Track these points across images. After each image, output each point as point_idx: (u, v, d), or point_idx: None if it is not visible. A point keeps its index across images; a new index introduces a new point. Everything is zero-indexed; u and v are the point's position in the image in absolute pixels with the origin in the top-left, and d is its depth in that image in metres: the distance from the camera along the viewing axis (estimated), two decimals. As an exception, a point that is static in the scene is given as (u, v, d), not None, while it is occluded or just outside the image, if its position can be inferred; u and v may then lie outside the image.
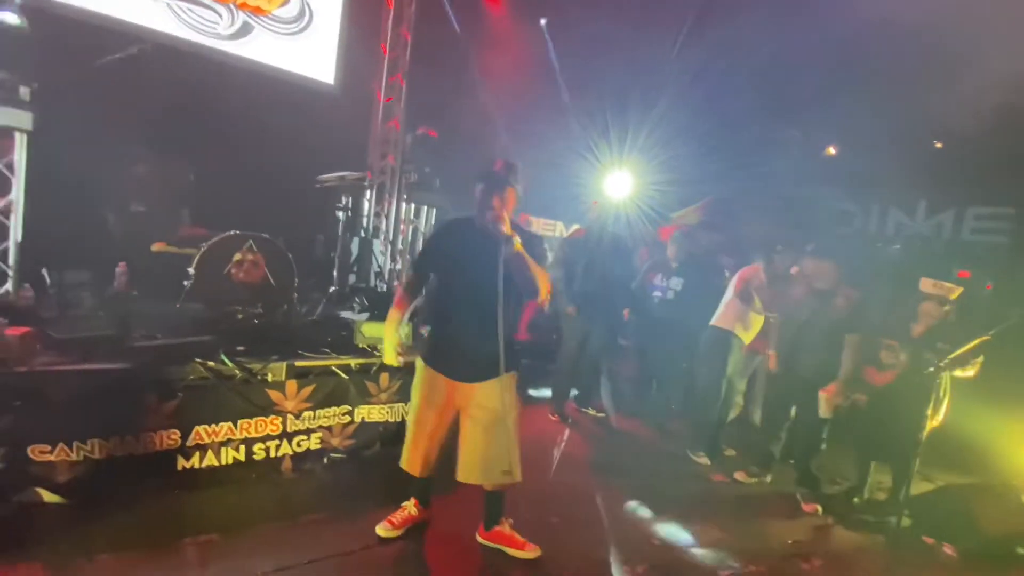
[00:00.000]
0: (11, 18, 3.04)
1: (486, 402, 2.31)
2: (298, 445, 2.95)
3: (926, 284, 3.64)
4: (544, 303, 2.41)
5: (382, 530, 2.49)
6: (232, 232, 3.36)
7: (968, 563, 3.06)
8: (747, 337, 4.04)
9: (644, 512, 3.15)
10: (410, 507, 2.59)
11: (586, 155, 5.85)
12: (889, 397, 3.52)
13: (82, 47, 3.78)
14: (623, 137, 5.95)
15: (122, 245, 3.91)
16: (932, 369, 3.07)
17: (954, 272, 5.46)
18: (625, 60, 6.22)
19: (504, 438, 2.32)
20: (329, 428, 3.06)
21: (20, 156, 3.37)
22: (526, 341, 5.96)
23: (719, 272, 4.55)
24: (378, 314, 3.60)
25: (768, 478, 3.78)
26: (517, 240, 2.11)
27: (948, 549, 3.14)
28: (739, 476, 3.80)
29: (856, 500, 3.61)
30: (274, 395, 2.83)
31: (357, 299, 4.23)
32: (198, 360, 2.63)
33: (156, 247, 3.60)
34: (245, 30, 4.57)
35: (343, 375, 3.08)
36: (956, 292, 3.56)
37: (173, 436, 2.56)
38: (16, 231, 3.39)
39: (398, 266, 5.73)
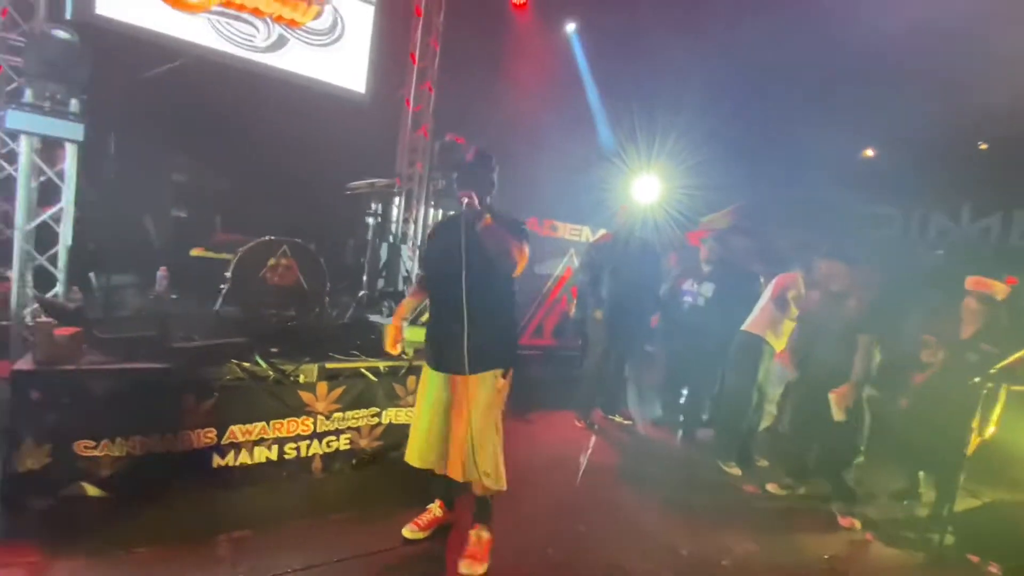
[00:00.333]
0: (63, 34, 3.21)
1: (463, 396, 2.33)
2: (328, 445, 3.01)
3: (970, 282, 3.49)
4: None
5: (408, 532, 2.51)
6: (267, 237, 3.46)
7: (1016, 584, 2.91)
8: (778, 344, 3.94)
9: (673, 523, 3.09)
10: (435, 509, 2.61)
11: (613, 159, 5.81)
12: (931, 402, 3.37)
13: (129, 61, 3.97)
14: (651, 141, 5.90)
15: (163, 250, 4.07)
16: (979, 379, 2.94)
17: (1002, 279, 5.21)
18: (653, 63, 6.17)
19: (478, 437, 2.30)
20: (358, 429, 3.11)
21: (70, 165, 3.56)
22: (550, 346, 5.95)
23: (752, 278, 4.45)
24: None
25: (802, 490, 3.66)
26: (487, 216, 2.18)
27: (994, 568, 2.98)
28: (771, 488, 3.69)
29: (906, 502, 3.46)
30: (305, 396, 2.89)
31: (386, 303, 4.30)
32: (234, 361, 2.71)
33: (195, 252, 3.73)
34: (280, 42, 4.72)
35: (372, 377, 3.12)
36: (1000, 291, 3.40)
37: (209, 434, 2.64)
38: (66, 237, 3.58)
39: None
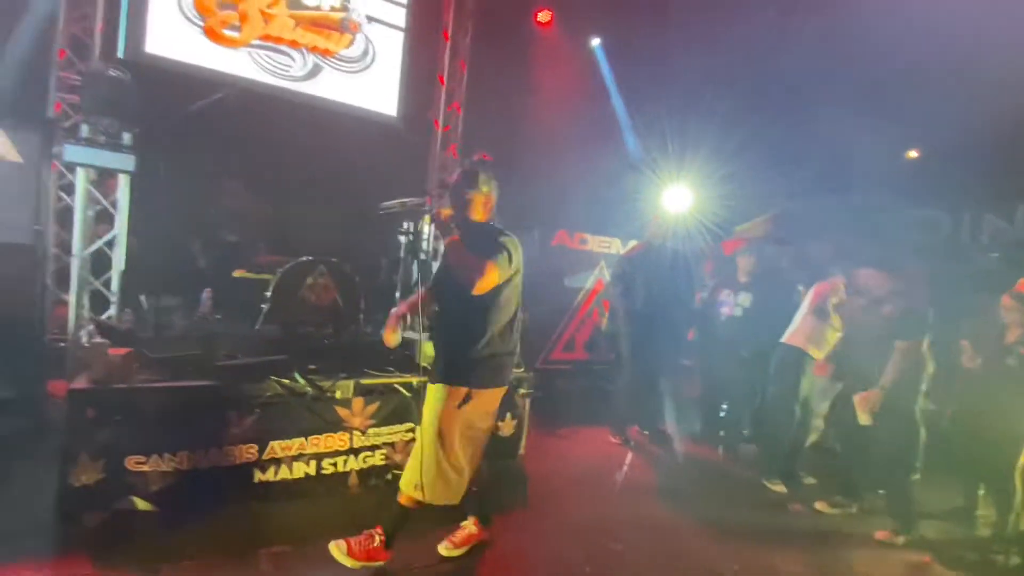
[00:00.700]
0: (115, 72, 3.43)
1: None
2: (364, 461, 3.04)
3: (1021, 284, 3.30)
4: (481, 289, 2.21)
5: (444, 549, 2.50)
6: (305, 258, 3.56)
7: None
8: (822, 355, 3.79)
9: (714, 543, 2.97)
10: (468, 525, 2.58)
11: (643, 170, 5.78)
12: (978, 411, 3.18)
13: (176, 95, 4.20)
14: (682, 151, 5.85)
15: (208, 272, 4.25)
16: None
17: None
18: (682, 73, 6.14)
19: (417, 449, 2.33)
20: (392, 444, 3.13)
21: (123, 195, 3.78)
22: (583, 360, 5.89)
23: (791, 287, 4.32)
24: (438, 334, 3.68)
25: (854, 509, 3.48)
26: (454, 234, 2.22)
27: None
28: (820, 506, 3.52)
29: (980, 513, 3.25)
30: (342, 412, 2.94)
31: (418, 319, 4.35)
32: (274, 378, 2.78)
33: (237, 273, 3.87)
34: (315, 71, 4.92)
35: (406, 393, 3.15)
36: None
37: (251, 450, 2.71)
38: (119, 262, 3.78)
39: (457, 287, 5.85)
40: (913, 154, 7.15)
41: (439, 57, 5.80)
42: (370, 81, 5.20)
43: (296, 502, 2.79)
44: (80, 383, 2.46)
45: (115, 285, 3.76)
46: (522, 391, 3.59)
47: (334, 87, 5.00)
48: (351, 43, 5.04)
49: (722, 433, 4.48)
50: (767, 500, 3.64)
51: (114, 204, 3.76)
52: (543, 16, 6.17)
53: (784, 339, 3.87)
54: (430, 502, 2.30)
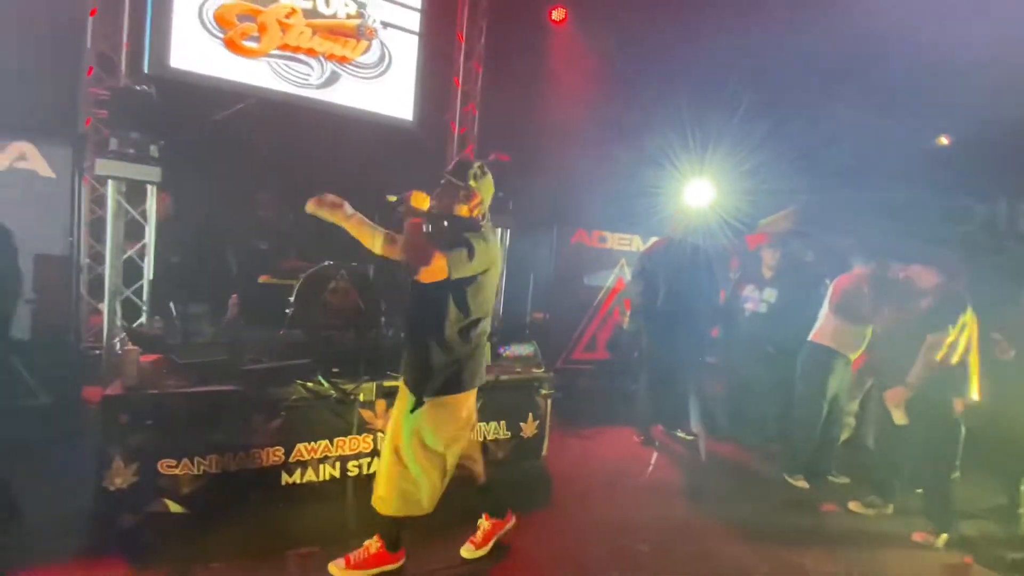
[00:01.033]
0: (141, 87, 3.53)
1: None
2: (388, 463, 3.06)
3: None
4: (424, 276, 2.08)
5: (466, 552, 2.50)
6: (327, 263, 3.61)
7: None
8: (849, 351, 3.68)
9: (743, 544, 2.92)
10: (483, 523, 2.58)
11: (663, 165, 5.70)
12: (1014, 403, 3.06)
13: (200, 106, 4.31)
14: (703, 145, 5.76)
15: (233, 279, 4.34)
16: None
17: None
18: (702, 65, 6.05)
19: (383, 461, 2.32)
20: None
21: (151, 205, 3.88)
22: (604, 360, 5.84)
23: (817, 281, 4.22)
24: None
25: (890, 509, 3.37)
26: (417, 217, 2.13)
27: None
28: (854, 506, 3.43)
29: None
30: (366, 414, 2.97)
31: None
32: (299, 381, 2.82)
33: (262, 279, 3.95)
34: (333, 78, 4.99)
35: (428, 395, 3.16)
36: None
37: (277, 453, 2.75)
38: (148, 271, 3.89)
39: (476, 288, 5.87)
40: (944, 141, 6.90)
41: (454, 59, 5.82)
42: (386, 86, 5.25)
43: (322, 504, 2.82)
44: (113, 389, 2.54)
45: (145, 294, 3.87)
46: (544, 391, 3.58)
47: (351, 93, 5.06)
48: (367, 49, 5.09)
49: (748, 432, 4.39)
50: (797, 499, 3.56)
51: (143, 214, 3.87)
52: (557, 14, 6.15)
53: (811, 336, 3.78)
54: (393, 515, 2.26)
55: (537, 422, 3.56)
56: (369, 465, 3.00)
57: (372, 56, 5.14)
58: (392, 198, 2.23)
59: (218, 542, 2.40)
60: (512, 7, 5.91)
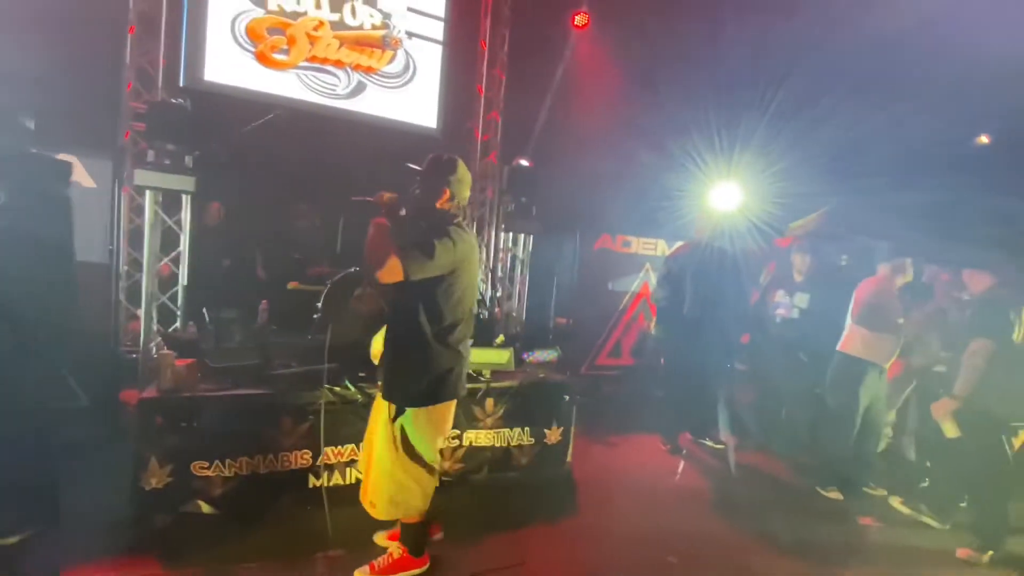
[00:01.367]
0: (177, 100, 3.65)
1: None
2: (413, 468, 3.07)
3: None
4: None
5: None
6: (353, 268, 3.66)
7: None
8: (880, 359, 3.54)
9: (777, 558, 2.83)
10: (393, 550, 2.38)
11: (690, 167, 5.63)
12: None
13: (232, 117, 4.44)
14: (731, 146, 5.67)
15: (264, 285, 4.45)
16: None
17: None
18: (729, 68, 5.96)
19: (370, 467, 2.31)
20: (440, 451, 3.15)
21: (185, 214, 4.01)
22: (629, 366, 5.77)
23: (851, 286, 4.09)
24: (481, 340, 3.70)
25: (948, 525, 3.22)
26: (381, 216, 2.12)
27: None
28: (895, 503, 3.30)
29: None
30: (390, 419, 2.99)
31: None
32: (326, 386, 2.86)
33: (291, 285, 4.03)
34: (359, 88, 5.08)
35: (452, 400, 3.17)
36: None
37: (305, 456, 2.79)
38: (183, 277, 4.01)
39: (498, 293, 5.88)
40: (984, 140, 6.64)
41: (477, 67, 5.87)
42: (411, 95, 5.32)
43: (349, 507, 2.84)
44: (150, 392, 2.62)
45: (180, 300, 3.99)
46: (568, 397, 3.55)
47: (377, 103, 5.14)
48: (392, 59, 5.17)
49: (779, 441, 4.27)
50: (832, 512, 3.44)
51: (179, 223, 3.99)
52: (580, 19, 6.14)
53: (839, 346, 3.66)
54: (386, 519, 2.28)
55: (561, 428, 3.53)
56: (394, 469, 3.02)
57: (397, 66, 5.22)
58: (361, 199, 2.23)
59: (247, 543, 2.45)
60: (534, 14, 5.93)
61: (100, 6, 4.13)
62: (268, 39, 4.57)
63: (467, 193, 2.31)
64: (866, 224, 5.36)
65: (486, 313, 5.35)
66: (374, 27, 5.04)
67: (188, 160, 3.72)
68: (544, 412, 3.48)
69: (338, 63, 4.90)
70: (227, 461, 2.65)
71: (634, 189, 5.89)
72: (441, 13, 5.37)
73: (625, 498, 3.38)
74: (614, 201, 5.74)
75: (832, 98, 6.10)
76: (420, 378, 2.18)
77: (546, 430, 3.49)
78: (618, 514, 3.14)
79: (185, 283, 4.01)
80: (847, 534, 3.17)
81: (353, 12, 4.92)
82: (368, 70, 5.06)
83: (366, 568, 2.33)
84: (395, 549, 2.35)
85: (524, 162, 5.59)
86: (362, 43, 4.99)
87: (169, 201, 3.91)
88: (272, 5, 4.57)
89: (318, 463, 2.82)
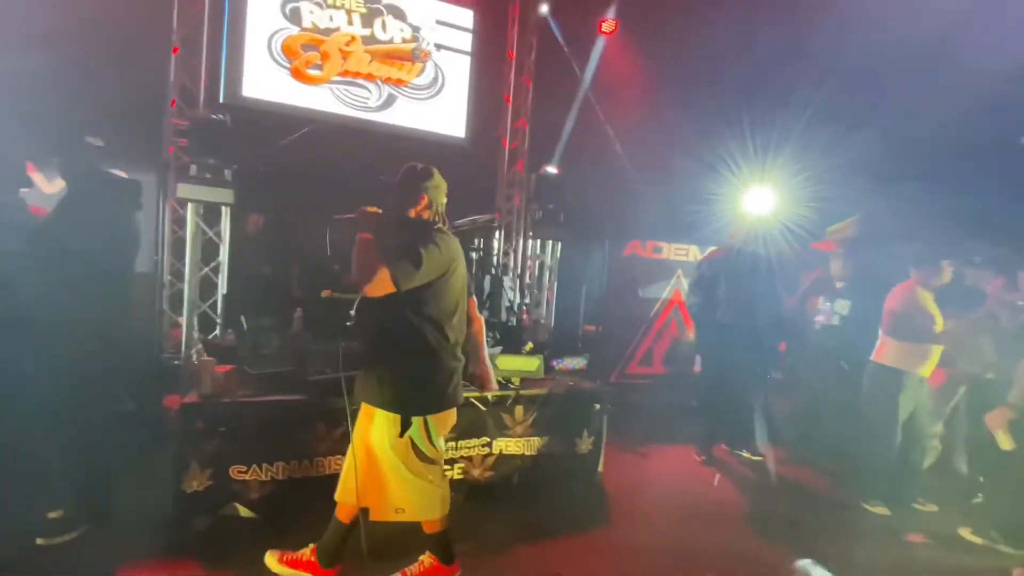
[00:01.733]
0: (218, 116, 3.79)
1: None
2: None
3: None
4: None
5: None
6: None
7: None
8: (920, 368, 3.38)
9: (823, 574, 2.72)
10: (426, 560, 2.35)
11: (722, 171, 5.53)
12: None
13: (269, 132, 4.59)
14: (765, 150, 5.54)
15: (298, 294, 4.56)
16: None
17: None
18: (763, 71, 5.85)
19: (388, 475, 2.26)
20: (470, 459, 3.16)
21: (225, 225, 4.15)
22: (661, 375, 5.66)
23: (893, 290, 3.94)
24: (510, 347, 3.70)
25: (1005, 547, 3.03)
26: (367, 232, 2.11)
27: None
28: (964, 532, 3.13)
29: None
30: (421, 426, 3.01)
31: (489, 333, 4.39)
32: (358, 392, 2.90)
33: (324, 294, 4.11)
34: (389, 101, 5.18)
35: (480, 407, 3.18)
36: None
37: (339, 461, 2.83)
38: (223, 286, 4.14)
39: (527, 300, 5.87)
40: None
41: (505, 75, 5.92)
42: (440, 106, 5.40)
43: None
44: (191, 398, 2.70)
45: (220, 308, 4.12)
46: (598, 406, 3.51)
47: (407, 114, 5.24)
48: (422, 71, 5.26)
49: (820, 452, 4.11)
50: (878, 527, 3.28)
51: (218, 234, 4.13)
52: (607, 26, 6.13)
53: (873, 355, 3.51)
54: (420, 519, 2.26)
55: (592, 438, 3.49)
56: (425, 476, 3.03)
57: (426, 78, 5.31)
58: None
59: (283, 547, 2.48)
60: (562, 21, 5.95)
61: (147, 29, 4.34)
62: (303, 55, 4.71)
63: (444, 199, 2.33)
64: (913, 228, 5.15)
65: (515, 320, 5.35)
66: (404, 41, 5.14)
67: (228, 173, 3.85)
68: (575, 421, 3.45)
69: (369, 76, 5.02)
70: (264, 465, 2.71)
71: (665, 195, 5.82)
72: (469, 24, 5.44)
73: (659, 510, 3.31)
74: (643, 207, 5.68)
75: (871, 99, 5.92)
76: (425, 386, 2.19)
77: (577, 439, 3.45)
78: (652, 527, 3.07)
79: (224, 292, 4.14)
80: (894, 551, 3.02)
81: (384, 27, 5.04)
82: (398, 83, 5.16)
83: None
84: (426, 558, 2.35)
85: (552, 169, 5.61)
86: (392, 56, 5.10)
87: (209, 213, 4.05)
88: (306, 22, 4.72)
89: (351, 469, 2.85)
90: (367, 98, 5.06)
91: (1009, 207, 5.51)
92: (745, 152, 5.62)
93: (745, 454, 4.26)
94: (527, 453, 3.30)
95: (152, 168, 4.26)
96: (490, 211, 5.75)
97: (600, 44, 6.15)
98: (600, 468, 3.52)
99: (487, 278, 5.35)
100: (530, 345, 3.67)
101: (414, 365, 2.18)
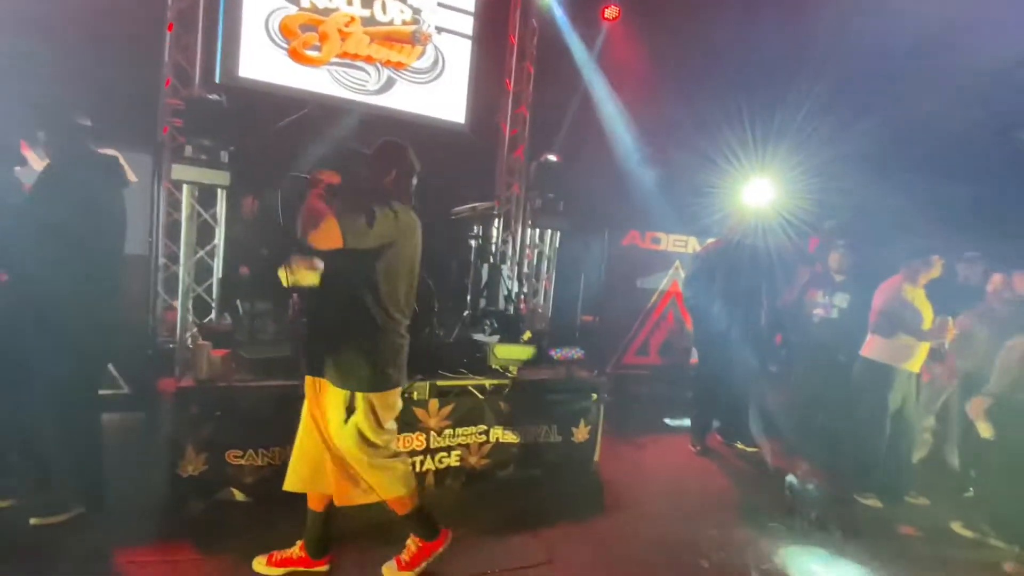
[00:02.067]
0: (213, 96, 3.72)
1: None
2: (439, 461, 3.08)
3: None
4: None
5: (388, 571, 2.30)
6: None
7: None
8: (908, 364, 3.40)
9: (815, 564, 2.74)
10: (411, 544, 2.32)
11: (722, 163, 5.50)
12: None
13: (266, 113, 4.51)
14: (765, 142, 5.51)
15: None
16: None
17: None
18: (762, 60, 5.79)
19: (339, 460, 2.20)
20: (467, 447, 3.16)
21: (220, 208, 4.09)
22: (657, 365, 5.68)
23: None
24: (508, 336, 3.68)
25: (1017, 548, 3.02)
26: (319, 187, 2.04)
27: None
28: (957, 527, 3.16)
29: None
30: (419, 412, 3.01)
31: (487, 322, 4.38)
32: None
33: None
34: (389, 84, 5.10)
35: (478, 395, 3.17)
36: None
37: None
38: (218, 270, 4.09)
39: (525, 289, 5.85)
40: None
41: (506, 61, 5.84)
42: (440, 90, 5.32)
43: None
44: (186, 381, 2.68)
45: (215, 292, 4.08)
46: (595, 396, 3.51)
47: (406, 98, 5.16)
48: (422, 54, 5.18)
49: (814, 445, 4.14)
50: (870, 520, 3.32)
51: (214, 216, 4.08)
52: (610, 12, 6.05)
53: (862, 350, 3.53)
54: (389, 496, 2.18)
55: (589, 427, 3.50)
56: (422, 463, 3.03)
57: (426, 61, 5.23)
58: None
59: (278, 530, 2.48)
60: (565, 6, 5.86)
61: (140, 4, 4.24)
62: (301, 36, 4.62)
63: (413, 182, 2.30)
64: (912, 222, 5.15)
65: (512, 309, 5.33)
66: (404, 23, 5.05)
67: (224, 155, 3.78)
68: (571, 410, 3.45)
69: (368, 59, 4.93)
70: (259, 450, 2.70)
71: (664, 185, 5.79)
72: (471, 7, 5.35)
73: (655, 499, 3.33)
74: (643, 197, 5.65)
75: (871, 90, 5.88)
76: (369, 360, 2.09)
77: (573, 428, 3.46)
78: (648, 515, 3.09)
79: (220, 276, 4.10)
80: (886, 543, 3.05)
81: (384, 8, 4.94)
82: (398, 66, 5.08)
83: (393, 564, 2.31)
84: (411, 542, 2.32)
85: (552, 157, 5.55)
86: (392, 39, 5.01)
87: (204, 195, 3.99)
88: (305, 2, 4.62)
89: (347, 455, 2.84)
90: (365, 81, 4.98)
91: (1009, 202, 5.52)
92: (744, 143, 5.58)
93: (739, 446, 4.29)
94: (524, 441, 3.30)
95: (146, 148, 4.18)
96: (489, 198, 5.69)
97: (603, 31, 6.08)
98: (596, 458, 3.53)
99: (485, 266, 5.33)
100: (528, 334, 3.65)
101: (358, 338, 2.09)
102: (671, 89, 6.27)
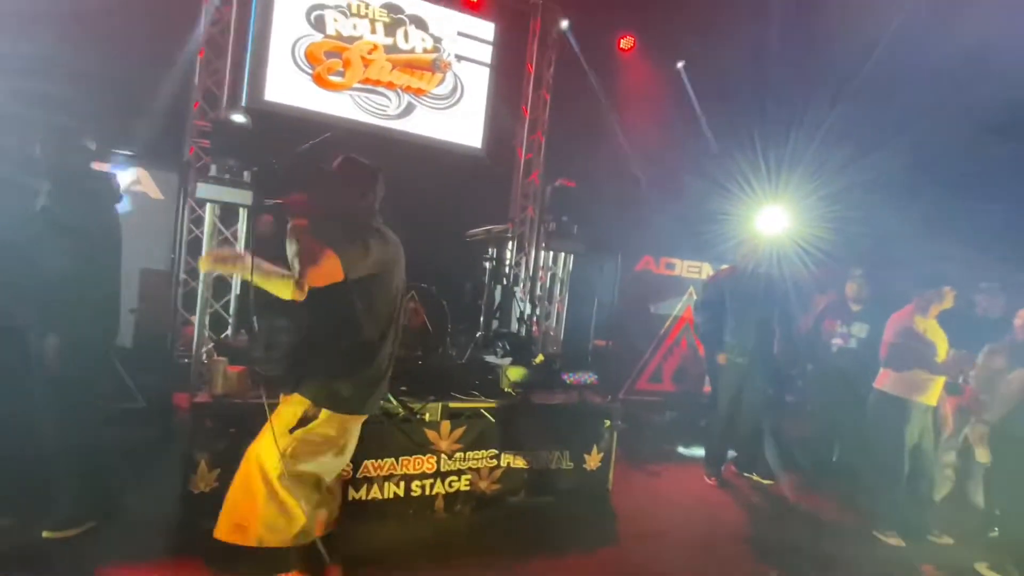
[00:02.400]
0: (239, 118, 3.84)
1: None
2: (449, 485, 3.05)
3: None
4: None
5: None
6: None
7: None
8: (924, 397, 3.32)
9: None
10: None
11: (736, 190, 5.52)
12: None
13: (289, 136, 4.62)
14: (779, 169, 5.53)
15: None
16: None
17: None
18: (776, 90, 5.86)
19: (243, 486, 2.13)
20: (477, 471, 3.13)
21: (242, 226, 4.17)
22: (671, 392, 5.60)
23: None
24: (520, 359, 3.68)
25: None
26: (301, 218, 1.99)
27: None
28: (981, 568, 3.04)
29: None
30: (430, 434, 2.99)
31: (500, 344, 4.37)
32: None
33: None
34: (408, 109, 5.23)
35: (490, 418, 3.15)
36: None
37: (346, 468, 2.81)
38: (235, 286, 4.15)
39: (537, 311, 5.85)
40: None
41: (523, 88, 5.96)
42: (458, 116, 5.44)
43: (385, 522, 2.84)
44: (202, 397, 2.70)
45: (232, 308, 4.13)
46: (608, 422, 3.47)
47: (425, 123, 5.29)
48: (442, 81, 5.32)
49: (833, 478, 4.03)
50: (892, 558, 3.20)
51: (235, 234, 4.16)
52: (625, 43, 6.18)
53: (876, 383, 3.45)
54: (257, 545, 2.03)
55: (602, 454, 3.45)
56: (432, 486, 3.00)
57: (446, 88, 5.36)
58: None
59: (287, 552, 2.45)
60: (581, 37, 6.00)
61: (174, 33, 4.42)
62: (325, 62, 4.78)
63: (381, 194, 2.26)
64: (929, 248, 5.09)
65: (525, 330, 5.32)
66: (425, 51, 5.20)
67: (246, 175, 3.88)
68: (584, 436, 3.41)
69: (390, 85, 5.07)
70: (271, 468, 2.68)
71: (679, 211, 5.80)
72: (490, 37, 5.50)
73: (670, 531, 3.24)
74: (657, 223, 5.67)
75: (887, 117, 5.89)
76: (347, 379, 2.05)
77: (586, 455, 3.41)
78: (662, 547, 3.02)
79: (237, 292, 4.15)
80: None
81: (406, 36, 5.10)
82: (418, 92, 5.21)
83: None
84: None
85: (566, 182, 5.61)
86: (413, 66, 5.16)
87: (226, 213, 4.08)
88: (330, 30, 4.79)
89: (358, 475, 2.83)
90: (387, 106, 5.11)
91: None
92: (759, 171, 5.60)
93: (755, 477, 4.19)
94: (535, 467, 3.26)
95: (173, 167, 4.31)
96: (504, 221, 5.75)
97: (618, 61, 6.20)
98: (609, 485, 3.47)
99: (499, 288, 5.35)
100: (541, 357, 3.64)
101: (346, 356, 2.05)
102: (686, 116, 6.36)
